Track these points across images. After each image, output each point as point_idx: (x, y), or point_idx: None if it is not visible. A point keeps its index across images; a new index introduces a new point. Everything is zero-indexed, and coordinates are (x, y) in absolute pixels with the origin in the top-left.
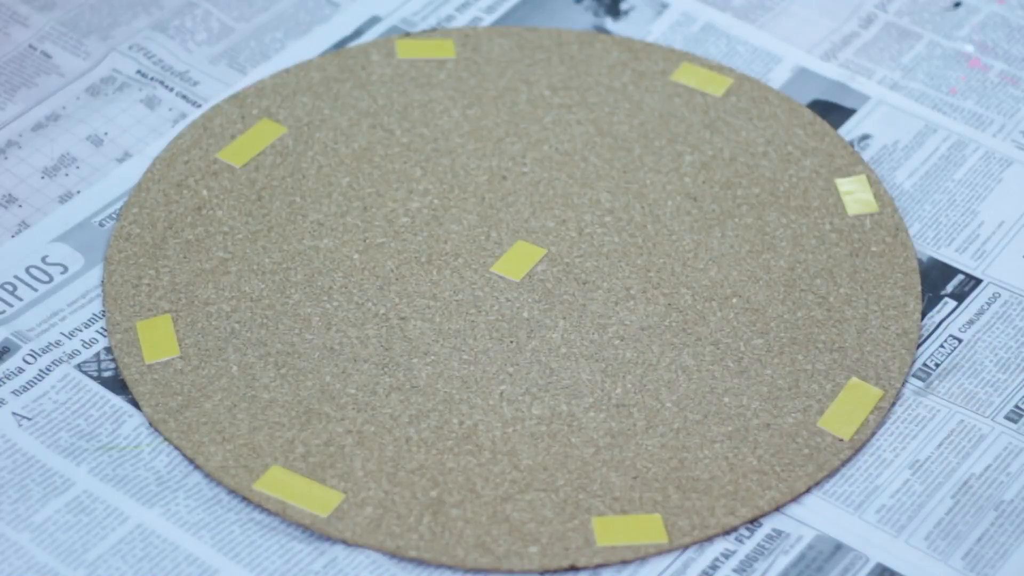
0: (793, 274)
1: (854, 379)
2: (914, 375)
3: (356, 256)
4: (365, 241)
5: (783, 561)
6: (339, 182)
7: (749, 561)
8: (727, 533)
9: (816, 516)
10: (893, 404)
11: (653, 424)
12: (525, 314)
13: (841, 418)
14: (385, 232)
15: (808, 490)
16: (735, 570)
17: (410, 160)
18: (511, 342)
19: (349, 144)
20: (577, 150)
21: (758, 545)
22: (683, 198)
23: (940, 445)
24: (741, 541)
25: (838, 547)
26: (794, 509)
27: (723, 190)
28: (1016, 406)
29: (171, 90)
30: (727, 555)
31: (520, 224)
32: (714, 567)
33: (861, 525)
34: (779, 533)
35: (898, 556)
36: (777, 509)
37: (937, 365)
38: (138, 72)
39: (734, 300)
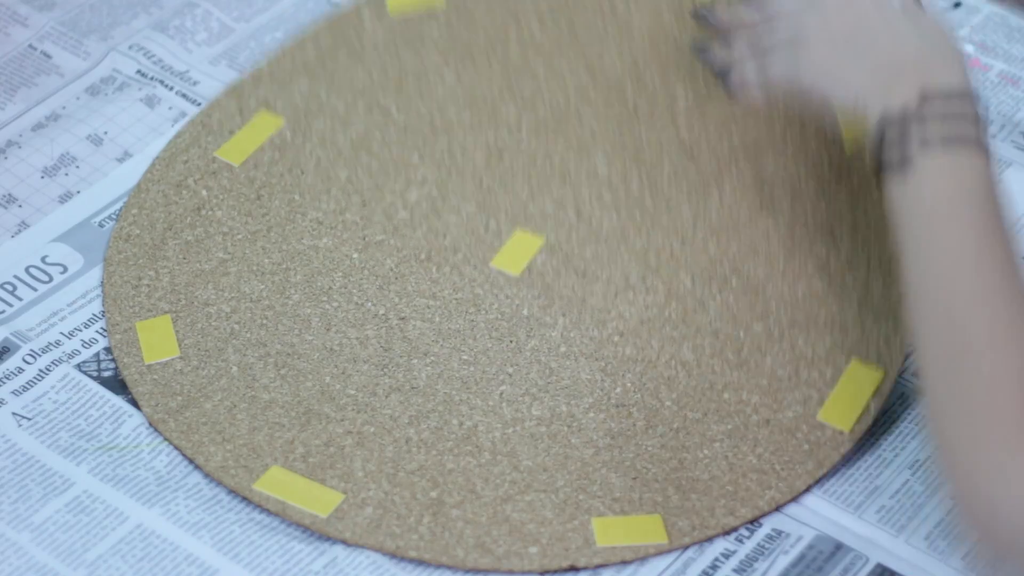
0: (793, 239)
1: (855, 361)
2: (914, 374)
3: (356, 255)
4: (364, 239)
5: (783, 561)
6: (338, 176)
7: (749, 561)
8: (727, 533)
9: (816, 516)
10: (894, 387)
11: (653, 424)
12: (525, 312)
13: (841, 407)
14: (384, 228)
15: (808, 488)
16: (735, 570)
17: (407, 144)
18: (511, 341)
19: (347, 132)
20: (571, 106)
21: (758, 545)
22: (679, 155)
23: None
24: (741, 541)
25: (838, 547)
26: (794, 509)
27: (718, 133)
28: None
29: (171, 89)
30: (727, 555)
31: (519, 209)
32: (714, 567)
33: (861, 525)
34: (779, 533)
35: (898, 556)
36: (777, 509)
37: None
38: (138, 72)
39: (734, 280)
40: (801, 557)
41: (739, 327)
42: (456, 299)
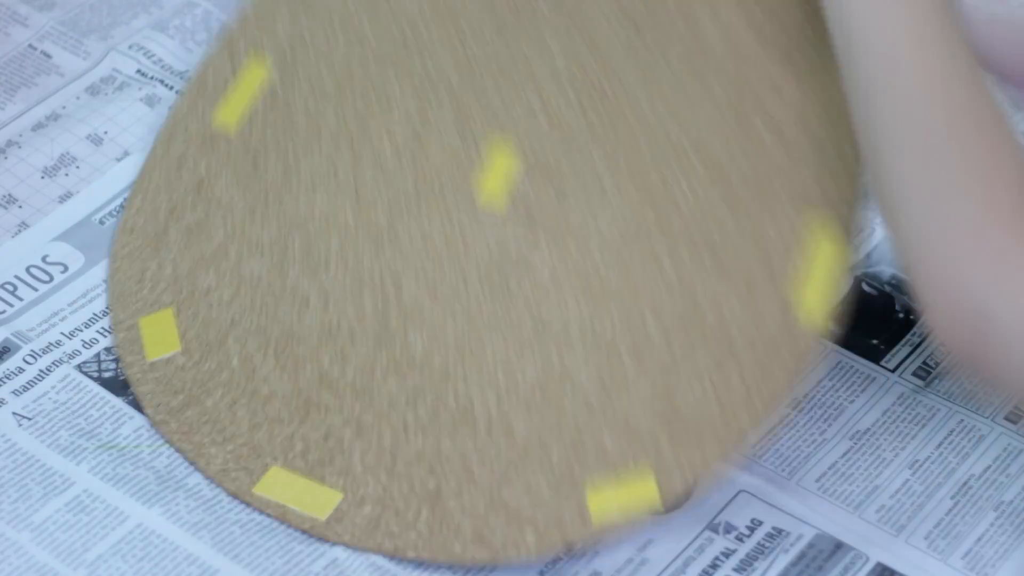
0: (740, 97)
1: (822, 240)
2: (914, 373)
3: (349, 215)
4: (357, 194)
5: (783, 560)
6: (328, 125)
7: (749, 560)
8: (727, 533)
9: (816, 515)
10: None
11: (643, 364)
12: (512, 253)
13: (816, 299)
14: (375, 179)
15: (799, 406)
16: (735, 569)
17: (387, 74)
18: (502, 291)
19: (332, 70)
20: None
21: (758, 544)
22: (625, 27)
23: (940, 445)
24: (741, 540)
25: (838, 546)
26: (794, 507)
27: None
28: (1016, 406)
29: (171, 89)
30: (727, 554)
31: (495, 127)
32: (714, 566)
33: (861, 524)
34: (779, 532)
35: (898, 555)
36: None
37: (936, 364)
38: (138, 71)
39: (696, 163)
40: (801, 556)
41: (708, 219)
42: (448, 251)
